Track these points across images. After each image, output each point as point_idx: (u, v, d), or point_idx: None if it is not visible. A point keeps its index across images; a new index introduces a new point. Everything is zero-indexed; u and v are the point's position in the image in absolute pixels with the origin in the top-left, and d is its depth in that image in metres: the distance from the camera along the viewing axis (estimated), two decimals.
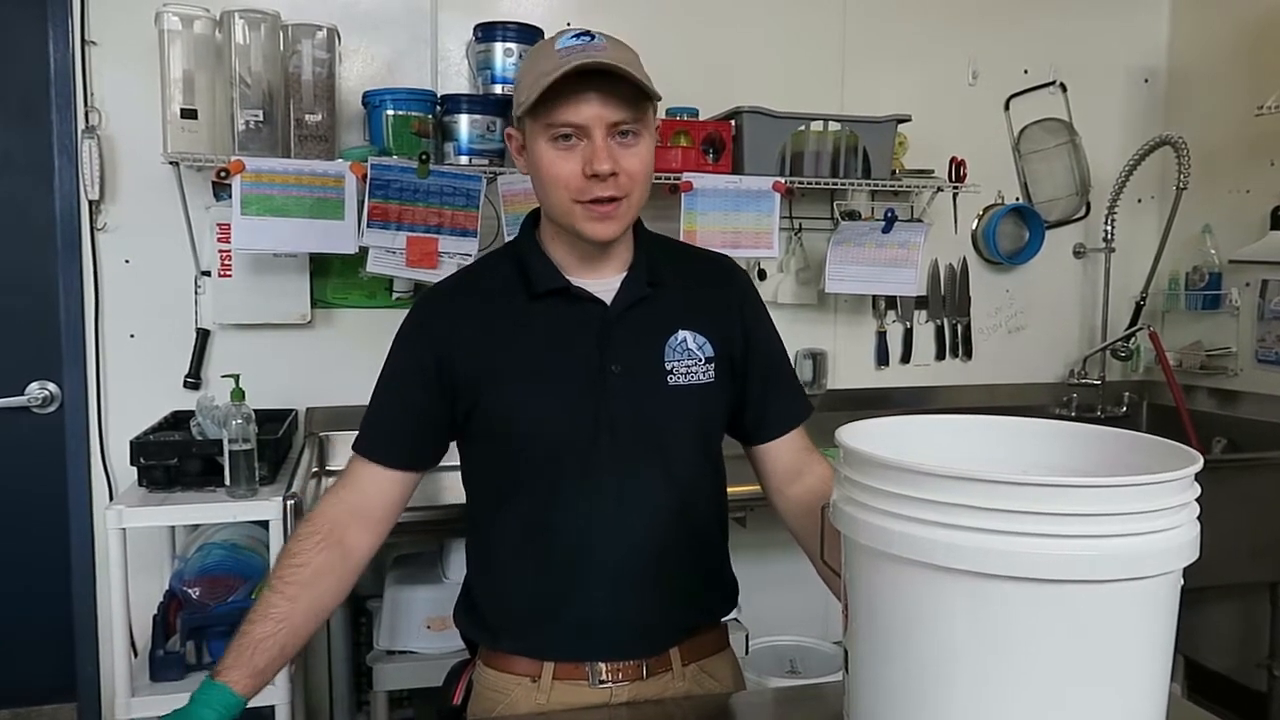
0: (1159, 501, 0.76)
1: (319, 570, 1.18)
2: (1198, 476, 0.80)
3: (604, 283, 1.25)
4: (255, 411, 2.00)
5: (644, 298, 1.25)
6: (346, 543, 1.21)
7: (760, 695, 1.63)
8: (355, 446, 1.26)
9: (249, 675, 1.10)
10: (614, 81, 1.13)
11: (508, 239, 2.27)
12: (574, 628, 1.23)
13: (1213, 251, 2.91)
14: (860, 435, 0.91)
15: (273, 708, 1.96)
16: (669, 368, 1.24)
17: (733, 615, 2.17)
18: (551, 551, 1.23)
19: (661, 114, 2.38)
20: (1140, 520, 0.75)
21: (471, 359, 1.22)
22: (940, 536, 0.76)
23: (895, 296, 2.88)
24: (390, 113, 2.29)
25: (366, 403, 1.29)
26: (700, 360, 1.26)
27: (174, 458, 2.01)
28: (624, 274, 1.26)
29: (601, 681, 1.24)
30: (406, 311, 1.32)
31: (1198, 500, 0.81)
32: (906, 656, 0.81)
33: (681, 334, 1.26)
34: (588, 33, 1.15)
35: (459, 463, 1.32)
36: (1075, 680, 0.77)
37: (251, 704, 1.88)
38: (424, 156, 2.24)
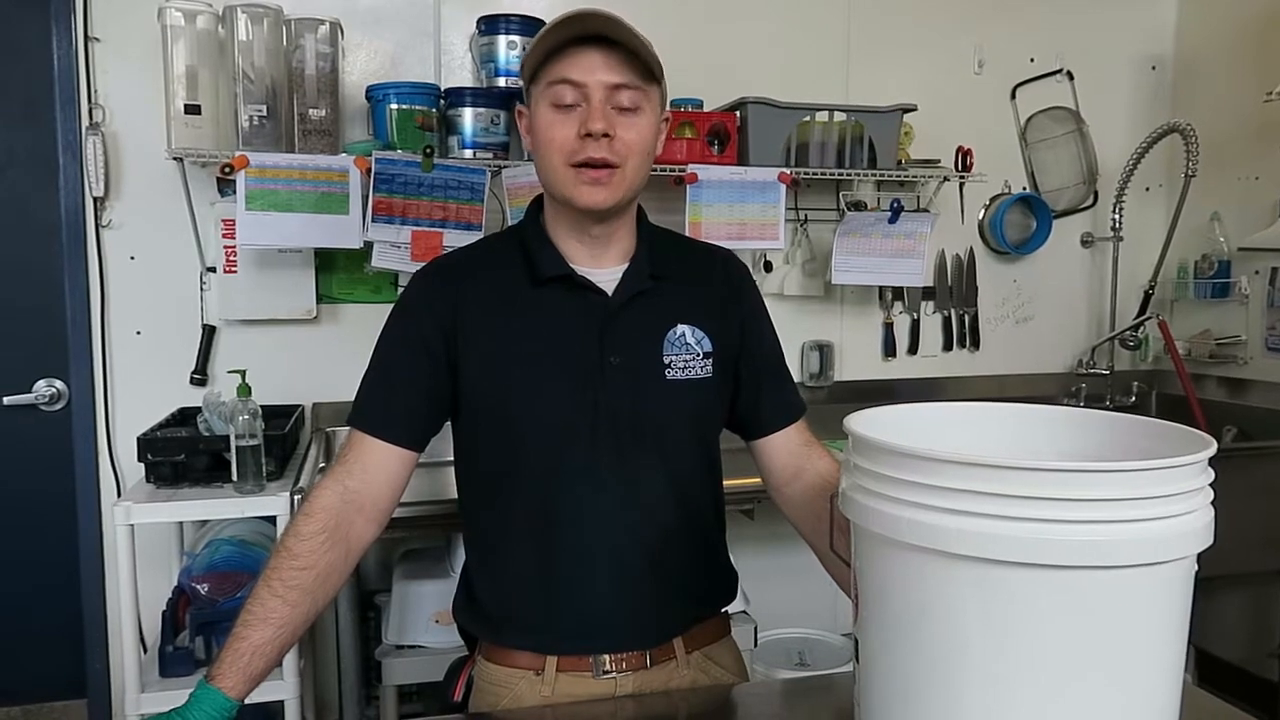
0: (1173, 486, 0.75)
1: (323, 574, 1.14)
2: (1208, 464, 0.80)
3: (606, 273, 1.25)
4: (262, 407, 2.00)
5: (645, 290, 1.25)
6: (350, 538, 1.18)
7: (769, 686, 1.63)
8: (357, 424, 1.22)
9: (245, 681, 1.08)
10: (619, 52, 1.14)
11: None
12: (576, 620, 1.23)
13: (1222, 239, 2.89)
14: (869, 423, 0.90)
15: (282, 703, 1.96)
16: (667, 362, 1.24)
17: (740, 608, 2.19)
18: (551, 543, 1.22)
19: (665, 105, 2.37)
20: (1154, 505, 0.74)
21: (473, 340, 1.22)
22: (951, 523, 0.76)
23: (902, 287, 2.87)
24: (394, 107, 2.29)
25: None
26: (698, 355, 1.26)
27: (181, 454, 2.01)
28: (626, 265, 1.26)
29: (605, 672, 1.24)
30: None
31: (1211, 486, 0.80)
32: (917, 644, 0.81)
33: (680, 328, 1.25)
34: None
35: (453, 453, 1.31)
36: (1088, 667, 0.76)
37: (262, 699, 1.88)
38: (428, 150, 2.23)
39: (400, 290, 2.44)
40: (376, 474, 1.20)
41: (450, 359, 1.22)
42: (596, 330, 1.22)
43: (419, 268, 1.33)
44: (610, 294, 1.23)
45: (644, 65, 1.15)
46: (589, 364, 1.21)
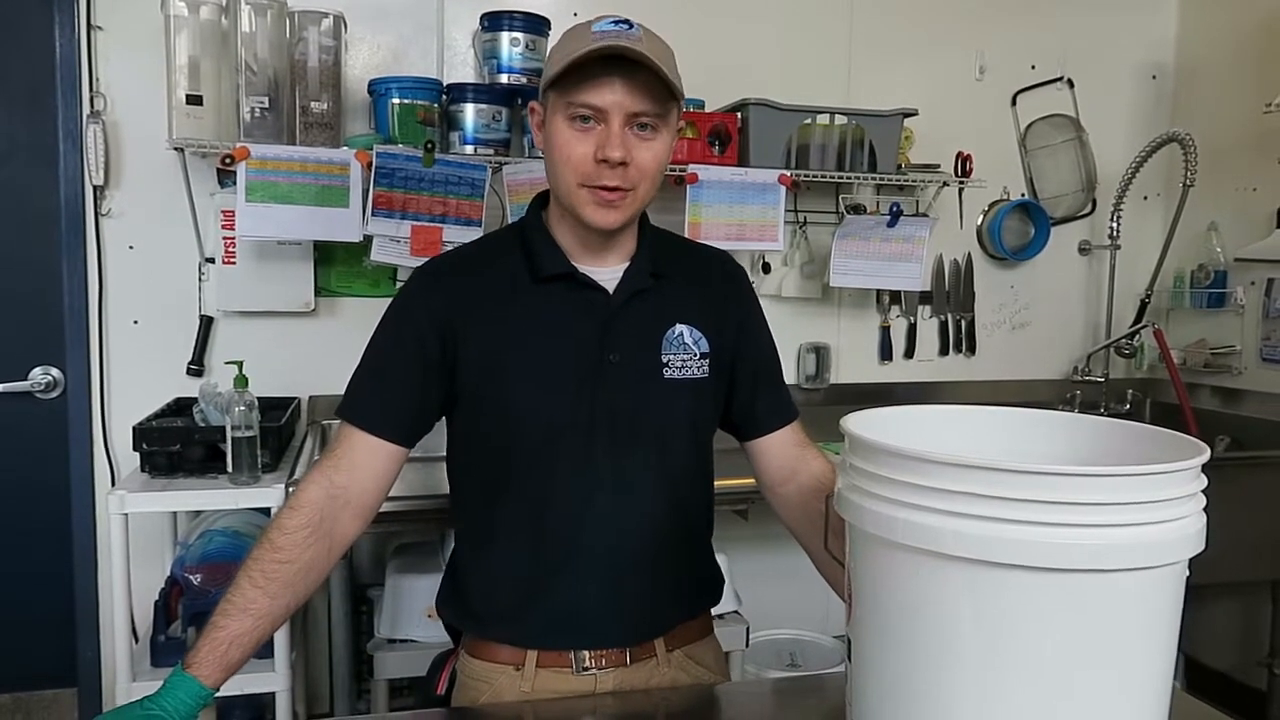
0: (1166, 491, 0.76)
1: (305, 568, 1.14)
2: (1201, 471, 0.80)
3: (607, 271, 1.25)
4: (258, 399, 2.00)
5: (644, 289, 1.25)
6: (334, 533, 1.18)
7: (759, 685, 1.64)
8: (347, 416, 1.21)
9: (221, 669, 1.08)
10: (641, 72, 1.12)
11: None
12: (560, 615, 1.23)
13: (1218, 249, 2.90)
14: (866, 424, 0.90)
15: (273, 695, 1.96)
16: (665, 361, 1.24)
17: (732, 608, 2.19)
18: (543, 538, 1.22)
19: None
20: (1147, 510, 0.75)
21: (473, 339, 1.22)
22: (946, 524, 0.76)
23: (899, 291, 2.87)
24: (396, 101, 2.29)
25: None
26: (695, 355, 1.26)
27: (177, 444, 2.01)
28: (626, 264, 1.26)
29: (585, 669, 1.24)
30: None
31: (1204, 493, 0.81)
32: (911, 645, 0.81)
33: (679, 328, 1.26)
34: (627, 21, 1.14)
35: (446, 448, 1.31)
36: (1080, 669, 0.76)
37: (253, 690, 1.87)
38: (429, 145, 2.23)
39: (398, 283, 2.47)
40: (364, 469, 1.20)
41: (446, 357, 1.22)
42: (597, 328, 1.22)
43: (420, 264, 1.32)
44: (611, 292, 1.24)
45: (665, 86, 1.14)
46: (588, 362, 1.21)
